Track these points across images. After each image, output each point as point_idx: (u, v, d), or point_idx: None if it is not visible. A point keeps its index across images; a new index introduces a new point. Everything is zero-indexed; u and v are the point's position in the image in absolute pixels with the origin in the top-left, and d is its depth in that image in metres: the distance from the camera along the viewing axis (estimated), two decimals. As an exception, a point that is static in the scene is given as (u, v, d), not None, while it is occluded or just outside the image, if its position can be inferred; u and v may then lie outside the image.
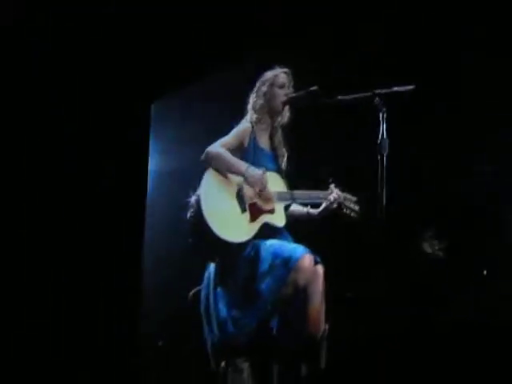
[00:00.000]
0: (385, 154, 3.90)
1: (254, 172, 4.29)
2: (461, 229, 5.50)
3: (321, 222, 4.68)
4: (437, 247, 6.45)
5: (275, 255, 4.11)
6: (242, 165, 4.32)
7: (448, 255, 5.51)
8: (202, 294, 4.32)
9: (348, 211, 4.69)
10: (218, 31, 5.67)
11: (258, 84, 4.67)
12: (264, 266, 4.12)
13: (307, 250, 4.15)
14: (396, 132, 3.94)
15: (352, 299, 5.36)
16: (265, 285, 4.07)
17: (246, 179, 4.29)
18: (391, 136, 3.88)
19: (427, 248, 6.33)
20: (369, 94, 4.05)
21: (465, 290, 5.20)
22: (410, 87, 3.98)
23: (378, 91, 4.01)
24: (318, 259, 4.19)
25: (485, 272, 5.20)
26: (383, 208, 3.85)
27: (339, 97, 4.29)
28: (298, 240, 4.48)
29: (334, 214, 4.65)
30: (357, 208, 4.72)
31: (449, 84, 5.24)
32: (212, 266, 4.33)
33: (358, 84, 4.19)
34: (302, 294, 4.09)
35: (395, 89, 4.01)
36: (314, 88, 4.48)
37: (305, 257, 4.08)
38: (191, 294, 4.45)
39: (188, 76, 5.83)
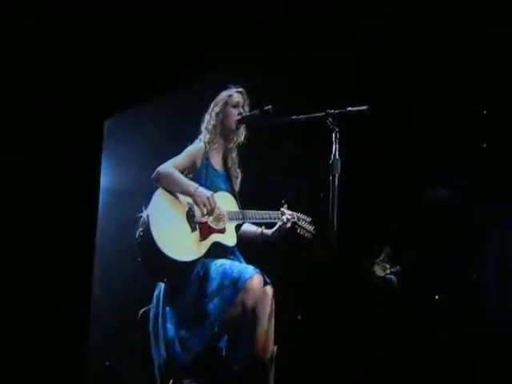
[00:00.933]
0: (337, 175, 3.89)
1: (202, 193, 4.29)
2: (412, 252, 5.50)
3: (273, 243, 4.65)
4: (388, 271, 6.43)
5: (224, 275, 4.10)
6: (191, 186, 4.31)
7: (400, 278, 5.50)
8: (151, 313, 4.28)
9: (302, 231, 4.69)
10: (170, 48, 5.66)
11: (212, 104, 4.68)
12: (213, 285, 4.11)
13: (257, 270, 4.14)
14: (349, 152, 3.94)
15: (302, 321, 5.33)
16: (213, 305, 4.05)
17: (194, 200, 4.28)
18: (344, 156, 3.87)
19: (379, 271, 6.32)
20: (321, 114, 4.05)
21: (416, 313, 5.20)
22: (364, 107, 3.99)
23: (330, 111, 4.01)
24: (268, 280, 4.17)
25: (436, 297, 5.21)
26: (334, 230, 3.84)
27: (293, 116, 4.29)
28: (249, 260, 4.47)
29: (288, 234, 4.63)
30: (311, 228, 4.72)
31: (401, 104, 5.26)
32: (162, 285, 4.30)
33: (312, 104, 4.18)
34: (250, 315, 4.07)
35: (348, 109, 4.02)
36: (268, 107, 4.48)
37: (254, 277, 4.07)
38: (140, 312, 4.41)
39: (141, 93, 5.80)
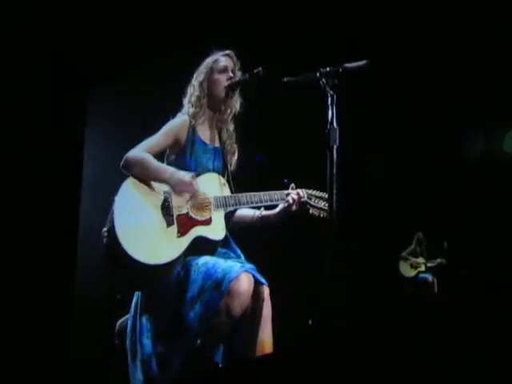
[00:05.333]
0: (334, 146, 3.36)
1: (182, 177, 3.80)
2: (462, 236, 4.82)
3: (275, 227, 4.11)
4: (422, 267, 5.66)
5: (207, 276, 3.63)
6: (167, 170, 3.85)
7: (440, 277, 4.83)
8: (129, 324, 3.83)
9: (316, 212, 4.14)
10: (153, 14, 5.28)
11: (194, 75, 4.17)
12: (193, 289, 3.65)
13: (246, 267, 3.65)
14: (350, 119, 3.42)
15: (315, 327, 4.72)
16: (193, 313, 3.60)
17: (172, 186, 3.79)
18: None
19: (406, 270, 5.55)
20: (314, 73, 3.53)
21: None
22: (362, 62, 3.49)
23: (324, 70, 3.50)
24: (262, 279, 3.69)
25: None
26: (334, 211, 3.39)
27: (284, 78, 3.76)
28: (248, 253, 3.98)
29: (300, 216, 4.09)
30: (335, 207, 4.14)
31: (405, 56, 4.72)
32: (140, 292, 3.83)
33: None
34: (240, 323, 3.59)
35: (345, 65, 3.50)
36: (257, 69, 3.98)
37: (240, 277, 3.57)
38: (118, 323, 3.97)
39: (125, 66, 5.42)
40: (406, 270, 5.91)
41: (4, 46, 5.19)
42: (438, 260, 5.93)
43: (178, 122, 4.05)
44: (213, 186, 3.98)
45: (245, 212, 4.17)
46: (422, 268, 5.97)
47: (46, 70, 5.28)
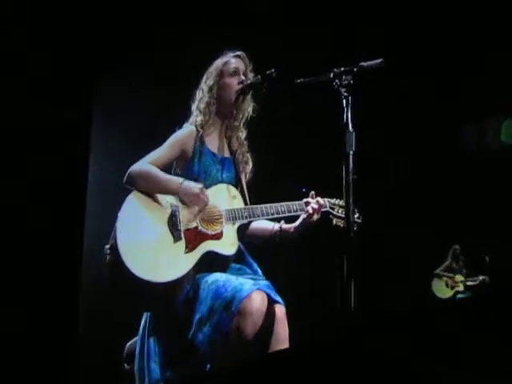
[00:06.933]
0: (351, 152, 3.19)
1: (191, 187, 3.65)
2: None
3: (296, 241, 3.92)
4: (461, 286, 5.16)
5: (216, 295, 3.46)
6: (174, 181, 3.71)
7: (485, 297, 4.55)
8: (137, 347, 3.67)
9: (341, 222, 3.93)
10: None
11: (203, 77, 4.02)
12: (202, 310, 3.47)
13: (259, 285, 3.48)
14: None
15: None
16: (202, 335, 3.42)
17: (180, 197, 3.63)
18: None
19: (441, 290, 5.07)
20: (328, 74, 3.37)
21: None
22: (378, 61, 3.35)
23: (338, 70, 3.33)
24: (277, 297, 3.50)
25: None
26: (351, 221, 3.23)
27: (297, 80, 3.63)
28: (265, 268, 3.80)
29: (318, 227, 3.89)
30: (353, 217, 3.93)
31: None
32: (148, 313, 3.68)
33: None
34: (254, 346, 3.38)
35: (361, 64, 3.35)
36: (270, 71, 3.81)
37: (252, 296, 3.40)
38: (127, 346, 3.81)
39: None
40: (441, 290, 5.39)
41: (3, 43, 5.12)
42: (480, 277, 5.44)
43: (185, 133, 3.92)
44: (223, 197, 3.82)
45: (262, 225, 4.00)
46: (461, 287, 5.47)
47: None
